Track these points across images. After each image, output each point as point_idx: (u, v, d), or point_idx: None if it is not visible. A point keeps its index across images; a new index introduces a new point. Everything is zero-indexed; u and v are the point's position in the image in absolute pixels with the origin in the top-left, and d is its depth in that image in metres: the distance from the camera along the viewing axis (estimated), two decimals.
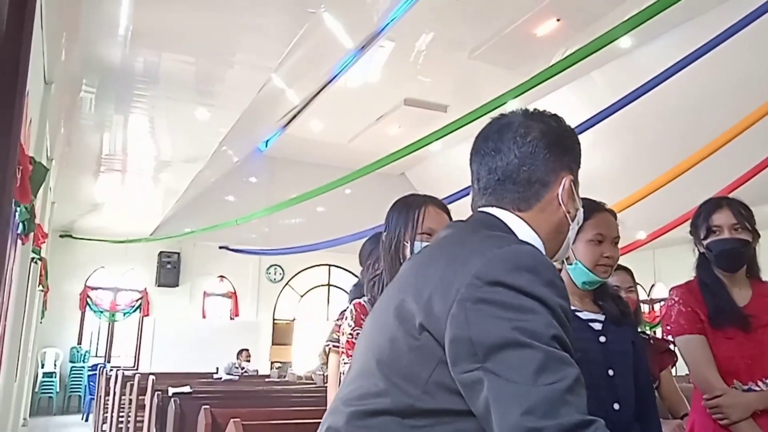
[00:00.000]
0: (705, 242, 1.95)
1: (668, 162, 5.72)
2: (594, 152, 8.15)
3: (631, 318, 1.83)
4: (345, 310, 2.22)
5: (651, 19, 3.77)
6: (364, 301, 1.70)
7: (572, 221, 1.08)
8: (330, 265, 12.70)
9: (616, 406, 1.65)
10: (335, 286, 12.79)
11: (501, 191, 1.05)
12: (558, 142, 1.08)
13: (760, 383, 1.83)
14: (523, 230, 1.02)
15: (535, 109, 1.14)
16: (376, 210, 8.17)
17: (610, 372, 1.67)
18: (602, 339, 1.71)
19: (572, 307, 1.76)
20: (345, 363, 1.63)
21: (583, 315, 1.76)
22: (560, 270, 1.85)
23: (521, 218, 1.03)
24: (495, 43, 6.75)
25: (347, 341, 1.65)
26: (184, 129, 6.93)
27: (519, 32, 6.54)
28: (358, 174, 7.12)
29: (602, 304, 1.78)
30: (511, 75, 6.24)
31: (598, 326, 1.74)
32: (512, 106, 8.01)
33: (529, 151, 1.05)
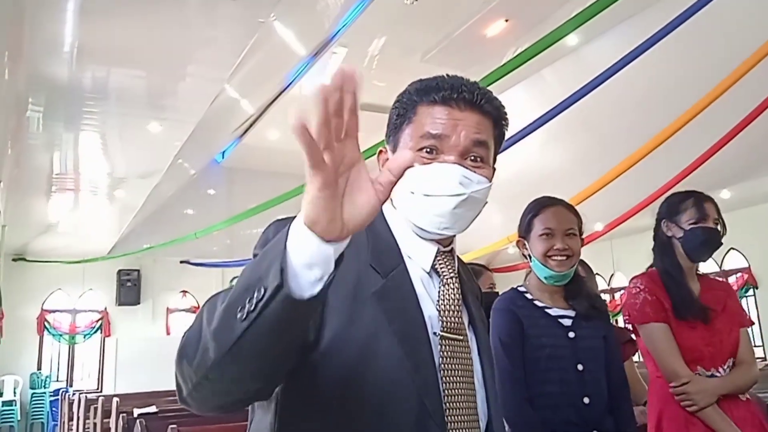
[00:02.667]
0: (692, 226, 1.97)
1: (620, 155, 5.87)
2: (548, 149, 8.32)
3: (605, 313, 1.86)
4: None
5: (595, 17, 3.88)
6: None
7: None
8: None
9: (586, 400, 1.69)
10: None
11: None
12: None
13: (720, 369, 1.89)
14: None
15: None
16: None
17: (579, 367, 1.71)
18: (571, 335, 1.75)
19: (541, 304, 1.80)
20: None
21: (552, 311, 1.80)
22: (529, 270, 1.89)
23: None
24: (446, 46, 6.83)
25: None
26: (137, 144, 6.80)
27: (469, 34, 6.63)
28: None
29: (573, 300, 1.81)
30: (464, 76, 6.31)
31: (567, 322, 1.77)
32: None
33: None
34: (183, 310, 12.13)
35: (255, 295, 0.69)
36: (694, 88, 5.17)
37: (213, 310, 0.77)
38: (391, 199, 1.04)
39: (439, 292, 1.00)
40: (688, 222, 1.98)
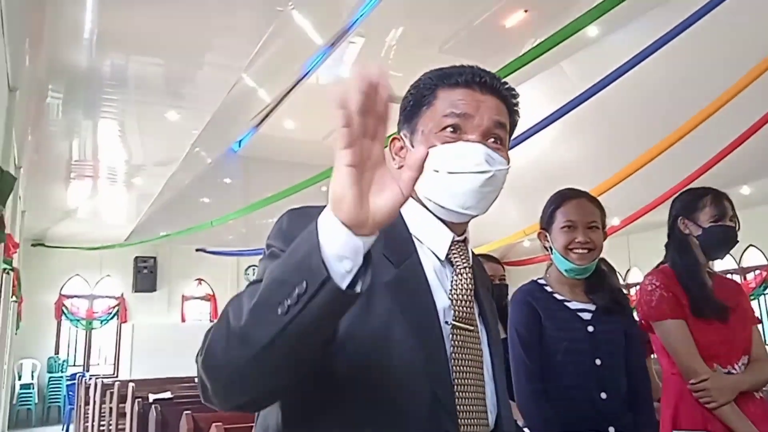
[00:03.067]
0: (711, 224, 1.96)
1: (638, 149, 5.80)
2: (566, 142, 8.25)
3: (628, 308, 1.84)
4: None
5: (616, 8, 3.82)
6: None
7: None
8: None
9: (603, 396, 1.67)
10: None
11: None
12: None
13: (736, 366, 1.87)
14: None
15: None
16: None
17: (598, 361, 1.70)
18: (590, 329, 1.73)
19: (561, 297, 1.79)
20: None
21: (572, 305, 1.78)
22: (550, 263, 1.88)
23: None
24: (464, 37, 6.78)
25: None
26: (155, 132, 6.84)
27: (488, 24, 6.58)
28: (332, 171, 7.08)
29: (594, 295, 1.79)
30: (483, 67, 6.27)
31: (587, 316, 1.75)
32: None
33: None
34: (198, 297, 12.23)
35: (296, 290, 0.70)
36: (714, 82, 5.09)
37: (239, 308, 0.78)
38: None
39: (451, 281, 1.00)
40: (708, 221, 1.96)
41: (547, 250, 1.85)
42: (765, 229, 7.77)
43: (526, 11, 6.38)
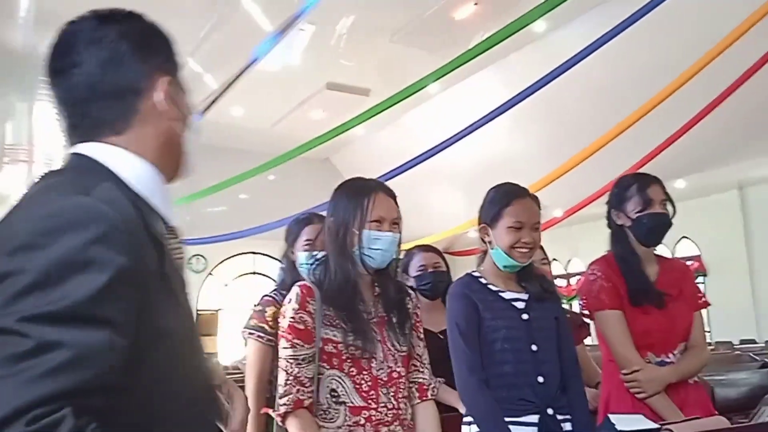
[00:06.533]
0: (638, 214, 1.97)
1: (582, 142, 5.97)
2: (513, 134, 8.39)
3: (555, 295, 1.90)
4: (267, 296, 2.19)
5: (563, 4, 3.91)
6: (310, 283, 1.60)
7: (184, 129, 0.98)
8: (255, 253, 12.51)
9: (541, 380, 1.73)
10: (261, 273, 12.62)
11: (90, 117, 0.88)
12: (143, 42, 0.92)
13: (671, 355, 1.93)
14: (122, 162, 0.87)
15: (109, 10, 0.94)
16: (301, 195, 8.13)
17: (534, 347, 1.76)
18: (525, 317, 1.79)
19: (495, 288, 1.83)
20: (284, 348, 1.52)
21: (506, 295, 1.83)
22: (485, 253, 1.90)
23: (119, 146, 0.88)
24: (415, 27, 6.80)
25: (289, 325, 1.52)
26: None
27: (438, 16, 6.62)
28: (281, 159, 7.02)
29: (525, 284, 1.85)
30: (432, 58, 6.31)
31: (521, 305, 1.81)
32: (434, 89, 8.13)
33: (109, 56, 0.88)
34: None
35: None
36: (655, 80, 5.28)
37: None
38: None
39: None
40: (634, 210, 1.98)
41: (486, 244, 1.87)
42: (697, 221, 8.12)
43: (476, 4, 6.45)
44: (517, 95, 5.05)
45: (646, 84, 5.51)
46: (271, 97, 8.61)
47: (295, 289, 1.59)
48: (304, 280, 2.11)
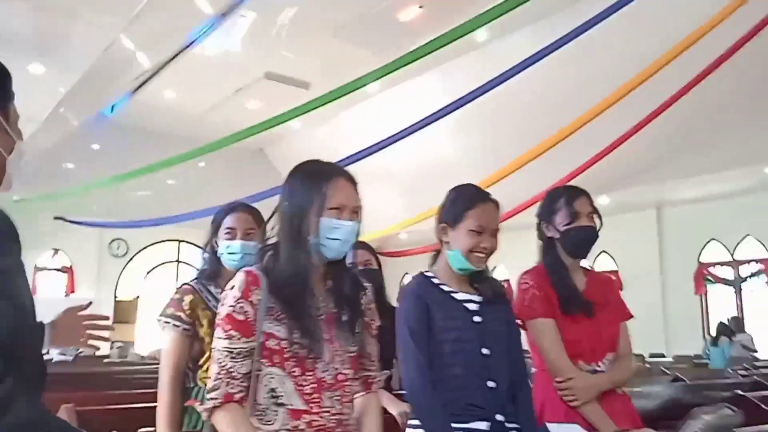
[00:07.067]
0: (566, 227, 2.00)
1: (516, 152, 6.11)
2: (451, 139, 8.50)
3: (506, 299, 1.88)
4: (186, 284, 2.09)
5: (505, 15, 3.98)
6: (257, 271, 1.44)
7: (7, 153, 1.16)
8: (180, 241, 12.15)
9: (491, 384, 1.70)
10: (185, 262, 12.26)
11: None
12: None
13: (600, 363, 1.97)
14: None
15: None
16: (231, 185, 7.95)
17: (485, 351, 1.73)
18: (477, 319, 1.76)
19: (448, 289, 1.80)
20: (219, 338, 1.39)
21: (459, 296, 1.79)
22: (438, 252, 1.88)
23: None
24: (359, 24, 6.77)
25: (227, 314, 1.38)
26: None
27: (383, 15, 6.62)
28: (213, 147, 6.83)
29: (478, 285, 1.82)
30: (374, 57, 6.30)
31: (473, 307, 1.78)
32: (374, 88, 8.09)
33: None
34: (53, 269, 11.35)
35: None
36: (589, 94, 5.47)
37: None
38: None
39: None
40: (562, 223, 2.01)
41: (442, 244, 1.84)
42: (616, 237, 8.47)
43: (421, 7, 6.48)
44: (456, 101, 5.10)
45: (580, 99, 5.69)
46: (207, 83, 8.38)
47: (240, 276, 1.43)
48: (225, 268, 2.03)
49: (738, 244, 9.24)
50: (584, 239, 2.02)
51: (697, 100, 5.69)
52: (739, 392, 2.93)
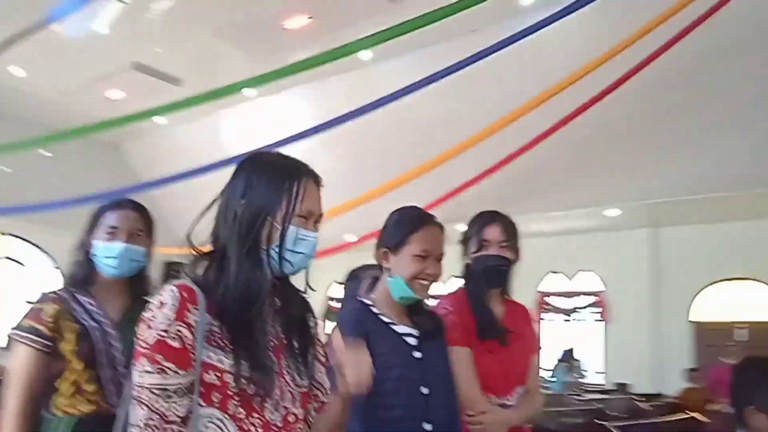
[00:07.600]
0: (474, 256, 1.95)
1: (386, 174, 6.17)
2: (325, 154, 8.42)
3: (445, 332, 1.77)
4: (52, 293, 1.74)
5: (392, 39, 4.00)
6: (191, 284, 1.12)
7: None
8: (13, 235, 10.91)
9: (428, 427, 1.57)
10: (13, 259, 11.01)
11: None
12: None
13: (510, 397, 1.92)
14: None
15: None
16: (81, 179, 7.31)
17: (424, 390, 1.60)
18: (417, 354, 1.64)
19: (387, 320, 1.65)
20: (147, 372, 1.04)
21: (399, 329, 1.66)
22: (376, 280, 1.74)
23: None
24: (242, 26, 6.56)
25: (158, 340, 1.05)
26: None
27: (268, 20, 6.46)
28: (62, 136, 6.29)
29: (416, 318, 1.69)
30: (253, 62, 6.11)
31: (413, 341, 1.65)
32: (249, 93, 7.85)
33: None
34: None
35: None
36: (464, 125, 5.66)
37: None
38: None
39: None
40: (471, 253, 1.98)
41: (383, 271, 1.70)
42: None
43: (310, 18, 6.39)
44: (333, 119, 5.03)
45: (454, 129, 5.88)
46: (64, 65, 7.69)
47: (171, 291, 1.09)
48: (99, 274, 1.74)
49: (573, 276, 9.93)
50: (489, 269, 1.95)
51: (557, 140, 6.07)
52: (597, 420, 3.06)
